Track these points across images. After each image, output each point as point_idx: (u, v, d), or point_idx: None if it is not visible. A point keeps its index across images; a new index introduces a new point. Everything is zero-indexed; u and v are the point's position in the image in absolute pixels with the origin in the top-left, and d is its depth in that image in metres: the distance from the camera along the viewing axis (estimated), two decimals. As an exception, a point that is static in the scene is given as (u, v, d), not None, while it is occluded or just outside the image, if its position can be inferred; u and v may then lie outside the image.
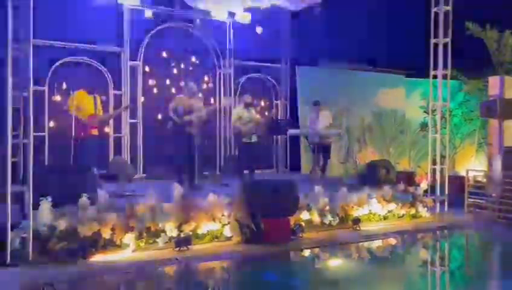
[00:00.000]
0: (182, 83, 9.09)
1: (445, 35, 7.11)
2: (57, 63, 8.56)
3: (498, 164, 7.08)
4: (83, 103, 6.85)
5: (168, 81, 9.72)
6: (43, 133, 8.28)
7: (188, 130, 7.21)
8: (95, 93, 7.14)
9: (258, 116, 8.08)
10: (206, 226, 5.31)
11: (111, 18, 8.95)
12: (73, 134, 6.64)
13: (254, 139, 7.89)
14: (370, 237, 5.94)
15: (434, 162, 7.36)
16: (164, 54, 9.73)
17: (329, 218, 6.11)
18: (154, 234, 5.06)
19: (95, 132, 7.04)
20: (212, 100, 10.01)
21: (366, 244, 5.74)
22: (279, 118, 10.74)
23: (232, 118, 8.24)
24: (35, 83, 4.92)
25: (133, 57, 9.32)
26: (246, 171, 8.01)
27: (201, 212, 5.33)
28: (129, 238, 4.89)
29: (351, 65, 11.48)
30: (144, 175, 9.20)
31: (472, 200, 7.12)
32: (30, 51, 4.57)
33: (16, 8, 4.62)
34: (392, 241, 5.99)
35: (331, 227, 6.11)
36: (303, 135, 9.40)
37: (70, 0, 8.31)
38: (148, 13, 9.36)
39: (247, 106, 7.96)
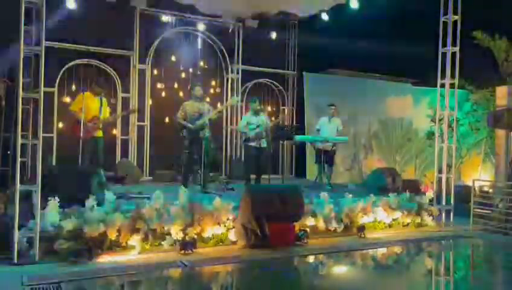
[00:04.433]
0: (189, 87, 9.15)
1: (454, 44, 7.12)
2: (67, 65, 8.65)
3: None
4: (88, 105, 6.92)
5: (176, 85, 9.79)
6: (51, 135, 8.37)
7: (201, 134, 7.27)
8: (102, 95, 7.24)
9: (267, 121, 8.06)
10: (211, 230, 5.34)
11: (121, 21, 9.05)
12: (79, 135, 6.72)
13: (264, 144, 7.88)
14: (375, 244, 5.92)
15: (440, 171, 7.34)
16: (173, 58, 9.80)
17: (334, 225, 6.11)
18: (160, 237, 5.09)
19: (99, 133, 7.10)
20: (219, 105, 10.07)
21: (370, 252, 5.72)
22: (285, 123, 10.74)
23: (240, 123, 8.26)
24: (45, 84, 4.96)
25: (142, 61, 9.40)
26: (252, 176, 8.01)
27: (207, 216, 5.35)
28: (135, 240, 4.93)
29: (359, 72, 11.50)
30: (151, 178, 9.26)
31: (478, 210, 7.09)
32: (42, 53, 4.62)
33: (29, 10, 4.69)
34: (397, 249, 5.97)
35: (335, 234, 6.12)
36: (309, 141, 9.40)
37: (82, 3, 8.42)
38: (165, 18, 9.45)
39: (256, 111, 7.97)
